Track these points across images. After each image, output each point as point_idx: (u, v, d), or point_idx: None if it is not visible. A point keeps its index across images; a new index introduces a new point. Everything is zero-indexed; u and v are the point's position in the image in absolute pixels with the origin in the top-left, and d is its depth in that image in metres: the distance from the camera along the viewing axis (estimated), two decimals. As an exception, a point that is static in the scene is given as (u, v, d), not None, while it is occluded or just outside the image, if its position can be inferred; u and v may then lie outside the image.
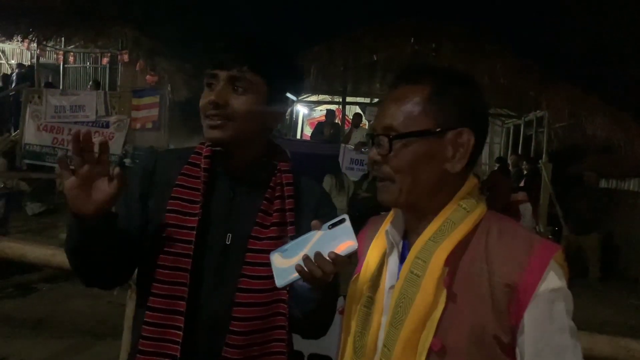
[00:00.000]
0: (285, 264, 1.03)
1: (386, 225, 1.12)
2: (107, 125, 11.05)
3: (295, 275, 1.01)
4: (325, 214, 1.25)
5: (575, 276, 7.87)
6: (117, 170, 1.03)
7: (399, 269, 1.04)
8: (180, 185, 1.24)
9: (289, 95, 1.30)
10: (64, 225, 7.68)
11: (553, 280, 0.93)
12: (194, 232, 1.20)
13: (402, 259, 1.06)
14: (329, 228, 1.02)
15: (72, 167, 1.03)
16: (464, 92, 1.03)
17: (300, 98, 12.10)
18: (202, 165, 1.25)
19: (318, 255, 0.99)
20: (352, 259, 1.05)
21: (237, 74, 1.19)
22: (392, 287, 1.04)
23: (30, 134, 11.04)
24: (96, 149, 1.03)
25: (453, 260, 0.97)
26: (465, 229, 0.99)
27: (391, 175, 1.02)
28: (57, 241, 6.13)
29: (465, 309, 0.94)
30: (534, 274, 0.92)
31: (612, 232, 8.65)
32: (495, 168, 10.45)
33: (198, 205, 1.22)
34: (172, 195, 1.23)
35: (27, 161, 10.92)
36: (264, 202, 1.26)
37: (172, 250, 1.20)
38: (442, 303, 0.94)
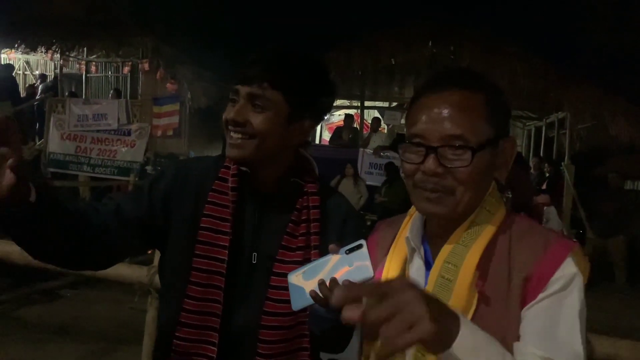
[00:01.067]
0: (301, 287, 1.03)
1: (404, 231, 1.11)
2: (129, 133, 11.21)
3: (310, 300, 1.01)
4: (348, 233, 1.27)
5: (601, 280, 7.73)
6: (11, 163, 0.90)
7: (426, 275, 1.03)
8: (212, 202, 1.24)
9: (315, 112, 1.27)
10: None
11: (569, 269, 0.93)
12: (227, 251, 1.21)
13: (426, 262, 1.05)
14: (346, 253, 1.01)
15: None
16: (506, 100, 1.03)
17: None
18: (230, 184, 1.25)
19: (333, 281, 0.99)
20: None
21: (257, 91, 1.17)
22: None
23: (54, 142, 11.26)
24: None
25: (484, 262, 0.96)
26: (492, 231, 0.98)
27: (453, 187, 0.97)
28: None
29: (492, 310, 0.94)
30: (549, 265, 0.92)
31: (638, 235, 8.47)
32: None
33: (229, 224, 1.22)
34: (205, 212, 1.23)
35: (51, 169, 11.13)
36: (290, 224, 1.25)
37: (204, 267, 1.21)
38: (473, 306, 0.94)
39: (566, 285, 0.91)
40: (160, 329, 1.37)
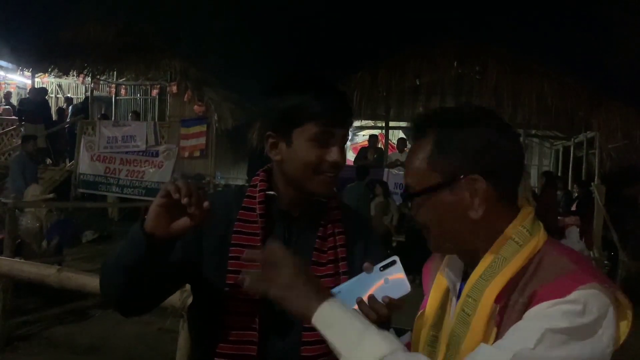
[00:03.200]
0: None
1: (445, 263, 1.10)
2: (157, 154, 11.40)
3: None
4: (373, 241, 1.36)
5: (635, 305, 7.47)
6: (206, 204, 1.05)
7: (454, 307, 1.03)
8: (238, 231, 1.26)
9: None
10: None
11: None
12: None
13: (458, 296, 1.04)
14: (381, 270, 1.01)
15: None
16: (471, 136, 0.97)
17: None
18: (258, 211, 1.28)
19: (372, 298, 0.98)
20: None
21: (347, 132, 1.27)
22: None
23: (84, 164, 11.53)
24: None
25: (505, 296, 0.93)
26: (517, 265, 0.94)
27: (424, 226, 1.03)
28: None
29: None
30: (552, 293, 0.86)
31: (674, 257, 8.21)
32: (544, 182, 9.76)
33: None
34: (232, 242, 1.25)
35: (81, 190, 11.37)
36: (317, 240, 1.28)
37: (239, 296, 1.21)
38: (491, 340, 0.91)
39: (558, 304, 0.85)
40: (197, 356, 1.37)
